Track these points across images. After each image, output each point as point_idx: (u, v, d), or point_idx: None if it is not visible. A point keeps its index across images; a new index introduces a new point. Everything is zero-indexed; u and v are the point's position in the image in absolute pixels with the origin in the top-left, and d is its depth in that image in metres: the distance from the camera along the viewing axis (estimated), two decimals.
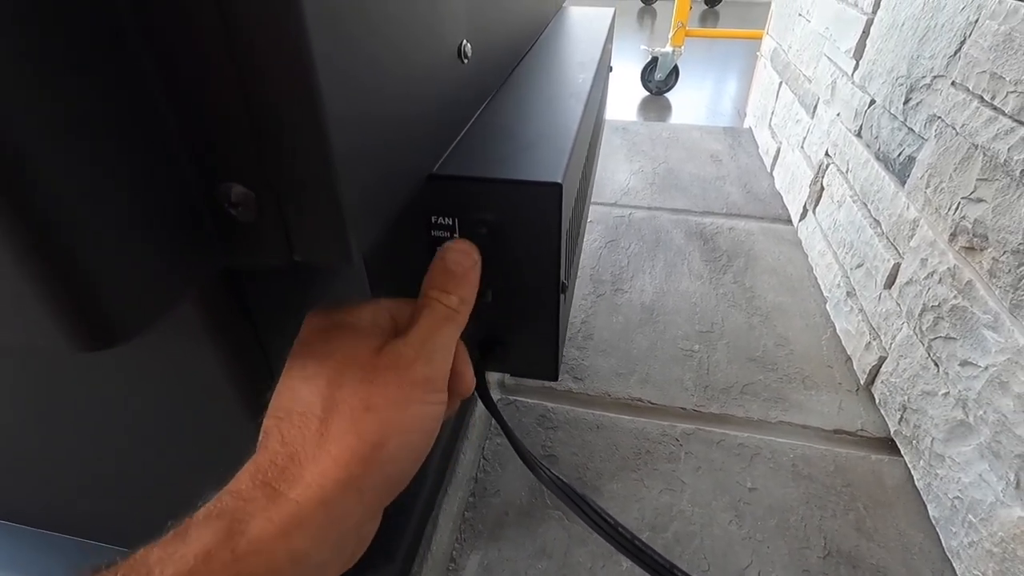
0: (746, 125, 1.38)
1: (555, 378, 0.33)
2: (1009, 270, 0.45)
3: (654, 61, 1.74)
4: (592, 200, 1.04)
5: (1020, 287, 0.44)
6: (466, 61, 0.30)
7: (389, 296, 0.28)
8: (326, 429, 0.21)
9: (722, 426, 0.62)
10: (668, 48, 1.70)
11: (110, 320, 0.17)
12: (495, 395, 0.65)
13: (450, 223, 0.28)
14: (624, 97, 1.81)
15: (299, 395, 0.22)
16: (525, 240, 0.28)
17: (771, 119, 1.18)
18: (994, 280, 0.47)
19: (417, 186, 0.26)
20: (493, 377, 0.66)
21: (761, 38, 1.34)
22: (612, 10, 0.61)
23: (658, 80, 1.76)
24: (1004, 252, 0.46)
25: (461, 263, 0.27)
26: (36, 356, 0.25)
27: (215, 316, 0.24)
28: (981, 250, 0.49)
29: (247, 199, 0.18)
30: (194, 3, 0.16)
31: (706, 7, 3.23)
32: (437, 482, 0.53)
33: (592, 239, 0.93)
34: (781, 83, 1.14)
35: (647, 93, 1.81)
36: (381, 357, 0.23)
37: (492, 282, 0.29)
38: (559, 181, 0.26)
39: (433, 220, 0.28)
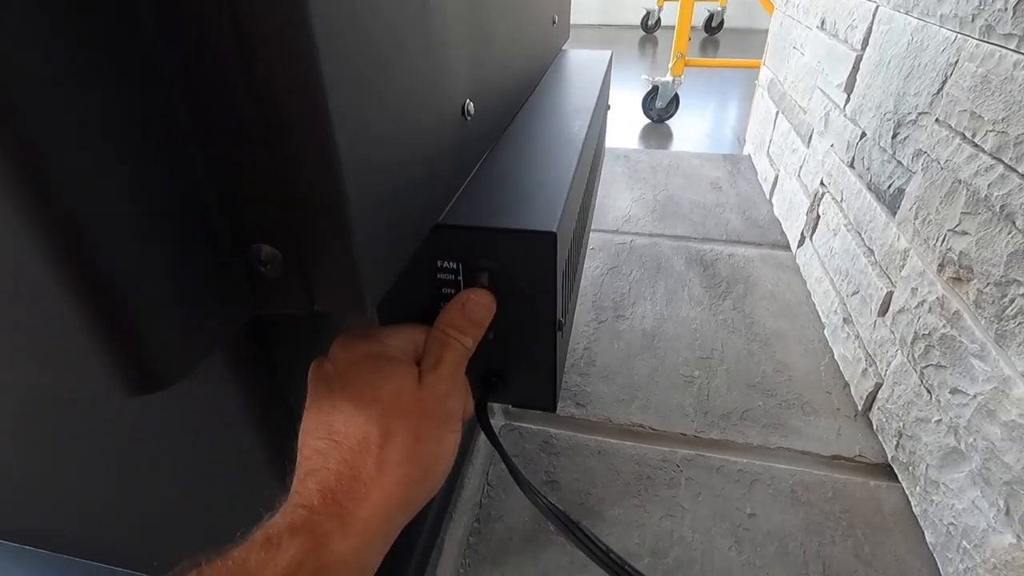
0: (745, 152, 1.41)
1: (553, 409, 0.35)
2: (993, 301, 0.47)
3: (655, 90, 1.78)
4: (594, 227, 1.07)
5: (1004, 318, 0.45)
6: (469, 118, 0.32)
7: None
8: (385, 456, 0.25)
9: (722, 452, 0.63)
10: (668, 77, 1.75)
11: (156, 367, 0.19)
12: (499, 421, 0.66)
13: (454, 267, 0.31)
14: (626, 125, 1.85)
15: (355, 421, 0.25)
16: (523, 283, 0.30)
17: (769, 147, 1.21)
18: (980, 311, 0.48)
19: (424, 235, 0.29)
20: (497, 405, 0.68)
21: (759, 67, 1.38)
22: (609, 52, 0.64)
23: (659, 108, 1.80)
24: (988, 284, 0.47)
25: (479, 312, 0.30)
26: (78, 401, 0.27)
27: (239, 359, 0.26)
28: (967, 281, 0.50)
29: (274, 258, 0.21)
30: (231, 88, 0.19)
31: (706, 35, 3.31)
32: (443, 508, 0.54)
33: (594, 266, 0.96)
34: (778, 112, 1.17)
35: (648, 121, 1.85)
36: (424, 391, 0.27)
37: (494, 321, 0.31)
38: (553, 230, 0.28)
39: (439, 264, 0.31)
